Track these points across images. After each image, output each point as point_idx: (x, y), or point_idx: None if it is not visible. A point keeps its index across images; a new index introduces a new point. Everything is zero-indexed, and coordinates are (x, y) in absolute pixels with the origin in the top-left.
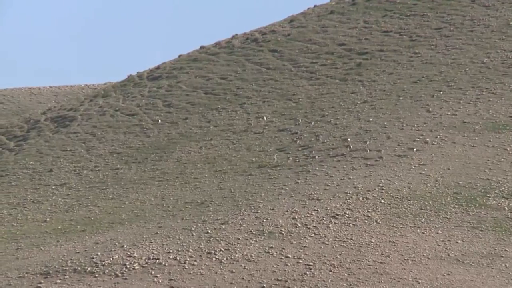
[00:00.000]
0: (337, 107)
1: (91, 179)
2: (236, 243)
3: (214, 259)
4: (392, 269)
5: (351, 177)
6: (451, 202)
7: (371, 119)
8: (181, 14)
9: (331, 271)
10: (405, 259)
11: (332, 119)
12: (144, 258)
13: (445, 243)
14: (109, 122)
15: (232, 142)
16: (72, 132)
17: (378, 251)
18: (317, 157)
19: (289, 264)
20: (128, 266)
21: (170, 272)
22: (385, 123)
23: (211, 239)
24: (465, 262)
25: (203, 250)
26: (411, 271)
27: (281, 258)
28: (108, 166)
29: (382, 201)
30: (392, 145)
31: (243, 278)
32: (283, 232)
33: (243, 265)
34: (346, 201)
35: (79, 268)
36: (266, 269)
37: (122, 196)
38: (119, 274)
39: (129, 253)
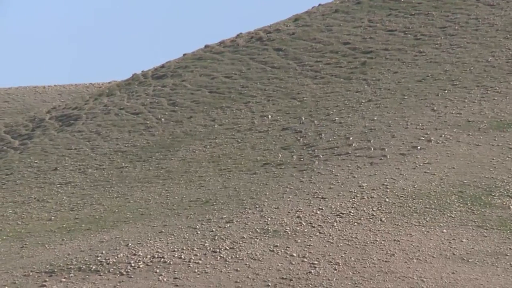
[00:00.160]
0: (341, 106)
1: (96, 178)
2: (241, 242)
3: (219, 257)
4: (396, 267)
5: (356, 176)
6: (455, 201)
7: (375, 118)
8: (186, 13)
9: (335, 269)
10: (410, 258)
11: (336, 118)
12: (149, 256)
13: (450, 242)
14: (113, 120)
15: (236, 140)
16: (76, 130)
17: (383, 250)
18: (320, 156)
19: (294, 263)
20: (133, 265)
21: (175, 271)
22: (390, 122)
23: (216, 237)
24: (470, 260)
25: (208, 248)
26: (416, 269)
27: (286, 257)
28: (113, 165)
29: (387, 199)
30: (396, 144)
31: (248, 277)
32: (287, 230)
33: (248, 263)
34: (350, 200)
35: (84, 267)
36: (271, 268)
37: (127, 195)
38: (124, 273)
39: (134, 252)
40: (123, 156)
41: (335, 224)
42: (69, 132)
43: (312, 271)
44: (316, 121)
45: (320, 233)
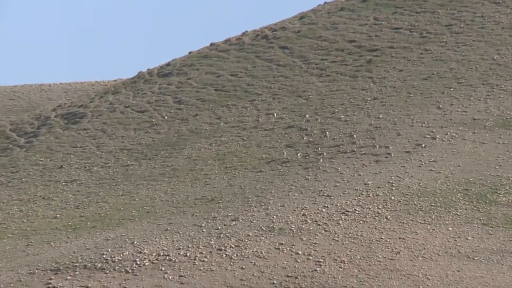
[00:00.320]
0: (347, 104)
1: (101, 176)
2: (246, 240)
3: (224, 255)
4: (402, 265)
5: (361, 174)
6: (461, 198)
7: (381, 116)
8: (192, 11)
9: (341, 267)
10: (415, 256)
11: (342, 116)
12: (154, 254)
13: (455, 240)
14: (119, 118)
15: (242, 138)
16: (82, 128)
17: (388, 248)
18: (325, 153)
19: (299, 261)
20: (138, 263)
21: (180, 269)
22: (395, 119)
23: (221, 235)
24: (475, 258)
25: (213, 246)
26: (421, 267)
27: (291, 255)
28: (118, 163)
29: (392, 197)
30: (402, 142)
31: (253, 275)
32: (293, 228)
33: (253, 261)
34: (356, 198)
35: (89, 265)
36: (276, 266)
37: (132, 193)
38: (129, 271)
39: (139, 250)
40: (129, 154)
41: (340, 222)
42: (74, 130)
43: (318, 269)
44: (321, 119)
45: (325, 231)
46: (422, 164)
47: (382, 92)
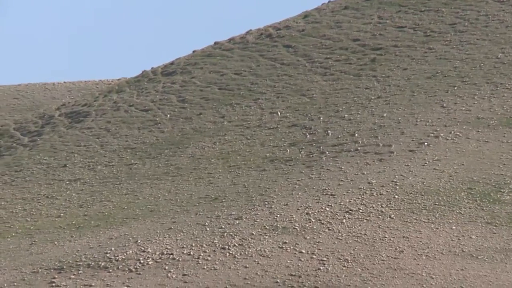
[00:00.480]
0: (351, 103)
1: (105, 175)
2: (250, 238)
3: (228, 254)
4: (406, 264)
5: (365, 173)
6: (465, 197)
7: (385, 115)
8: (196, 10)
9: (344, 266)
10: (419, 255)
11: (346, 115)
12: (158, 253)
13: (459, 239)
14: (123, 117)
15: (246, 137)
16: (86, 127)
17: (392, 247)
18: (327, 152)
19: (303, 260)
20: (142, 261)
21: (183, 267)
22: (399, 118)
23: (225, 234)
24: (479, 257)
25: (217, 245)
26: (425, 266)
27: (295, 254)
28: (122, 162)
29: (396, 196)
30: (406, 141)
31: (257, 273)
32: (297, 227)
33: (257, 260)
34: (360, 197)
35: (93, 263)
36: (280, 264)
37: (136, 192)
38: (133, 269)
39: (143, 248)
40: (133, 153)
41: (344, 220)
42: (78, 129)
43: (321, 267)
44: (325, 118)
45: (329, 229)
46: (426, 163)
47: (386, 90)
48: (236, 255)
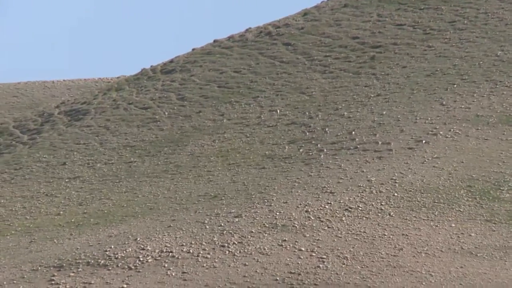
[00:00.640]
0: (350, 101)
1: (105, 173)
2: (249, 236)
3: (227, 252)
4: (405, 262)
5: (364, 170)
6: (464, 195)
7: (384, 113)
8: (195, 8)
9: (344, 264)
10: (418, 252)
11: (345, 112)
12: (157, 251)
13: (458, 236)
14: (122, 115)
15: (245, 135)
16: (85, 125)
17: (391, 244)
18: (325, 150)
19: (302, 257)
20: (141, 259)
21: (183, 265)
22: (399, 116)
23: (224, 232)
24: (478, 255)
25: (216, 243)
26: (424, 264)
27: (294, 251)
28: (122, 160)
29: (395, 194)
30: (405, 139)
31: (256, 271)
32: (296, 225)
33: (256, 258)
34: (359, 194)
35: (92, 261)
36: (279, 262)
37: (135, 189)
38: (132, 267)
39: (142, 246)
40: (132, 151)
41: (343, 218)
42: (77, 127)
43: (321, 265)
44: (324, 116)
45: (328, 227)
46: (425, 161)
47: (385, 88)
48: (236, 253)
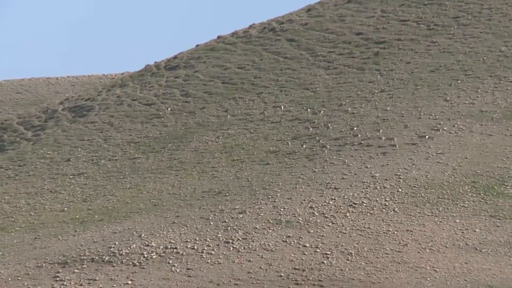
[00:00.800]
0: (354, 96)
1: (109, 169)
2: (253, 232)
3: (231, 248)
4: (409, 257)
5: (369, 166)
6: (468, 191)
7: (388, 108)
8: (198, 4)
9: (348, 259)
10: (422, 248)
11: (349, 108)
12: (161, 247)
13: (462, 232)
14: (126, 111)
15: (249, 131)
16: (89, 121)
17: (395, 240)
18: (329, 145)
19: (306, 253)
20: (145, 256)
21: (187, 261)
22: (403, 112)
23: (229, 228)
24: (482, 250)
25: (221, 239)
26: (429, 259)
27: (299, 247)
28: (126, 156)
29: (400, 190)
30: (409, 134)
31: (260, 267)
32: (300, 221)
33: (260, 254)
34: (363, 190)
35: (96, 258)
36: (284, 258)
37: (140, 186)
38: (137, 264)
39: (146, 243)
40: (136, 147)
41: (347, 214)
42: (82, 123)
43: (325, 261)
44: (328, 112)
45: (332, 223)
46: (429, 156)
47: (389, 84)
48: (240, 249)
